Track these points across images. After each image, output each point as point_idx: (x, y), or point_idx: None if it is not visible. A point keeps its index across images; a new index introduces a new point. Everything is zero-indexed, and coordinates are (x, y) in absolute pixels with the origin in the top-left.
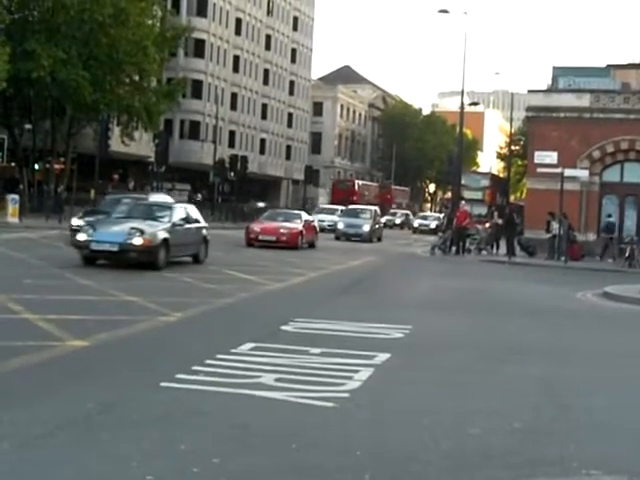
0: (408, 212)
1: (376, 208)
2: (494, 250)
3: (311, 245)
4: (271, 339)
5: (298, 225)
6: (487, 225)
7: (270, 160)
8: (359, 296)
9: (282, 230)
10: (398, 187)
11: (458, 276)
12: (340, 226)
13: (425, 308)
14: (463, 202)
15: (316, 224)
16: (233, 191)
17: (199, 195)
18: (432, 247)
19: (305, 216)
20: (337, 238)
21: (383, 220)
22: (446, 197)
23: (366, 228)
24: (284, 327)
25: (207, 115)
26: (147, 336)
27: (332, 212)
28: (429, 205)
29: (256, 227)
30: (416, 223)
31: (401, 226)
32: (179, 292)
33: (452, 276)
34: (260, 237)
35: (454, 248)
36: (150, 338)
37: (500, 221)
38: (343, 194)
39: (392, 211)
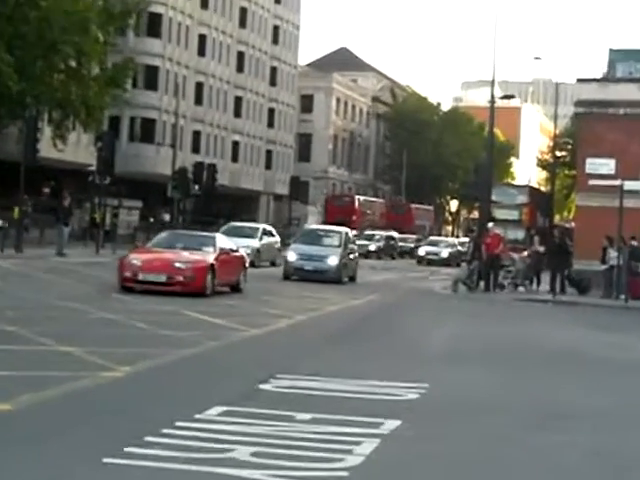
0: (392, 234)
1: (347, 230)
2: (534, 285)
3: (234, 288)
4: (247, 401)
5: (207, 257)
6: (525, 253)
7: (245, 169)
8: (361, 345)
9: (178, 265)
10: (419, 205)
11: (488, 319)
12: (292, 258)
13: (445, 361)
14: (492, 224)
15: (244, 255)
16: (198, 209)
17: (166, 216)
18: (454, 282)
19: (223, 242)
20: (287, 277)
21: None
22: (472, 217)
23: (332, 261)
24: (263, 385)
25: (164, 111)
26: (87, 397)
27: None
28: (450, 228)
29: (135, 260)
30: (422, 251)
31: (377, 254)
32: (128, 340)
33: (480, 319)
34: (141, 276)
35: (483, 283)
36: (91, 400)
37: (542, 248)
38: (339, 213)
39: (368, 232)
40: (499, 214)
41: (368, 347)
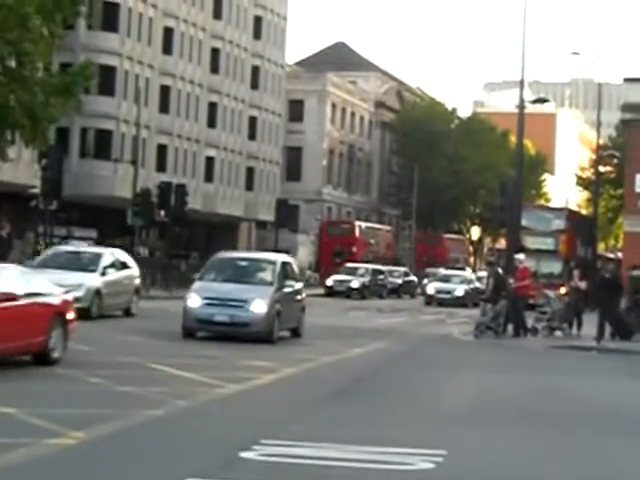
0: (380, 267)
1: (285, 258)
2: (574, 329)
3: (42, 357)
4: (224, 473)
5: None
6: (563, 290)
7: (222, 191)
8: (362, 403)
9: None
10: (452, 236)
11: (517, 371)
12: (194, 303)
13: (467, 422)
14: (521, 256)
15: (69, 299)
16: (164, 239)
17: (141, 250)
18: (477, 326)
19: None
20: (189, 333)
21: (330, 282)
22: (498, 247)
23: (258, 307)
24: (244, 454)
25: (123, 121)
26: (26, 472)
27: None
28: (472, 259)
29: None
30: (431, 289)
31: (361, 293)
32: (80, 399)
33: (508, 371)
34: None
35: (511, 326)
36: (31, 475)
37: (584, 284)
38: (336, 243)
39: (351, 265)
40: (531, 243)
41: (373, 405)
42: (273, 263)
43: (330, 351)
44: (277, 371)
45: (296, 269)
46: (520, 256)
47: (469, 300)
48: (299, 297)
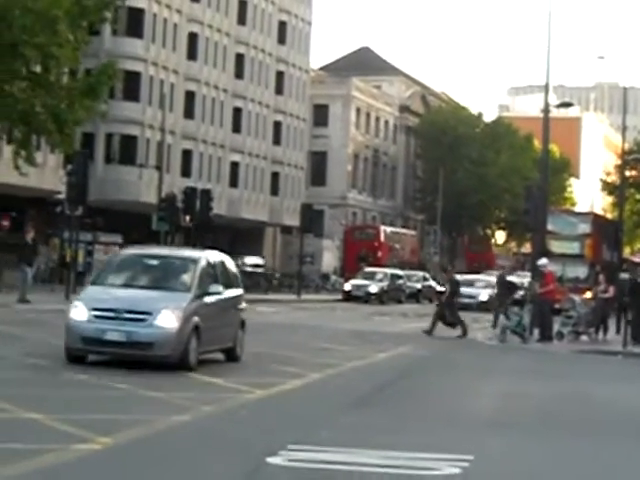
0: (398, 272)
1: (214, 256)
2: (599, 334)
3: None
4: (252, 479)
5: None
6: (588, 295)
7: (247, 196)
8: (388, 409)
9: None
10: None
11: (543, 376)
12: (79, 315)
13: (493, 427)
14: (544, 260)
15: None
16: (189, 244)
17: None
18: (502, 330)
19: None
20: (74, 358)
21: (348, 287)
22: (522, 252)
23: (166, 322)
24: (272, 459)
25: (148, 126)
26: (58, 476)
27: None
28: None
29: None
30: None
31: (380, 298)
32: (108, 405)
33: (534, 376)
34: None
35: (537, 331)
36: None
37: (610, 292)
38: (361, 248)
39: (368, 270)
40: (556, 247)
41: (398, 411)
42: (194, 262)
43: (355, 356)
44: (303, 376)
45: (233, 270)
46: (542, 261)
47: (493, 305)
48: (236, 308)
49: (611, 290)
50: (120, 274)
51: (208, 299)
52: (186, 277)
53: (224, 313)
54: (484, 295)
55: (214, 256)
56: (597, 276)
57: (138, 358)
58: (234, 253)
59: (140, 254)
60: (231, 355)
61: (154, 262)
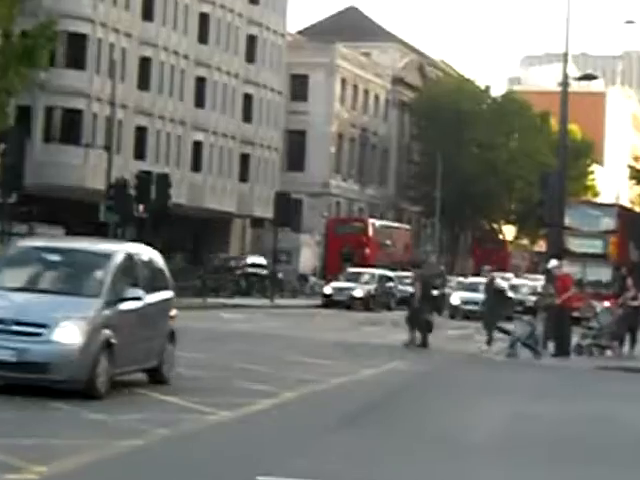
0: (388, 273)
1: (145, 254)
2: (625, 348)
3: None
4: None
5: None
6: (614, 303)
7: (211, 182)
8: (374, 435)
9: None
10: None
11: (557, 396)
12: None
13: (502, 455)
14: (555, 262)
15: None
16: (143, 239)
17: None
18: (511, 343)
19: None
20: None
21: (329, 290)
22: (537, 250)
23: (66, 336)
24: None
25: (95, 99)
26: None
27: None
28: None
29: None
30: (456, 299)
31: (366, 303)
32: (43, 428)
33: (547, 396)
34: None
35: (552, 344)
36: None
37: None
38: (346, 244)
39: (352, 270)
40: (575, 245)
41: (387, 437)
42: (108, 258)
43: (337, 372)
44: (275, 395)
45: (162, 267)
46: (553, 263)
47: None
48: (163, 316)
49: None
50: (10, 273)
51: (124, 306)
52: (96, 278)
53: (146, 323)
54: None
55: (135, 250)
56: (623, 280)
57: (31, 382)
58: (197, 249)
59: (38, 247)
60: (156, 376)
61: (55, 258)
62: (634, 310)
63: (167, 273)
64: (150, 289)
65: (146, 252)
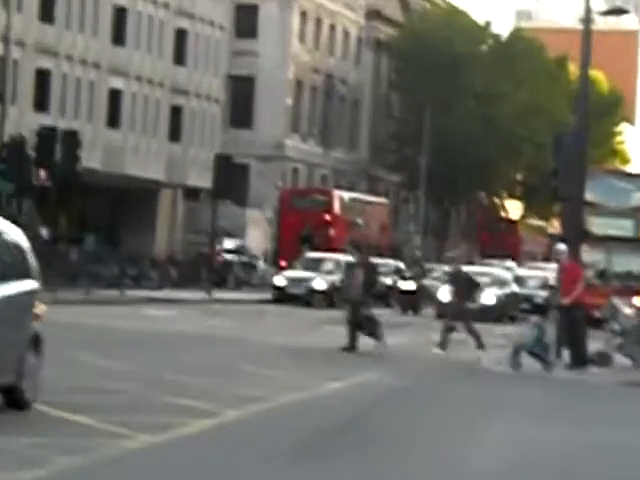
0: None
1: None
2: None
3: None
4: None
5: None
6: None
7: (133, 142)
8: (341, 465)
9: None
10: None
11: (571, 419)
12: None
13: None
14: (562, 246)
15: None
16: (46, 214)
17: (43, 230)
18: (515, 350)
19: None
20: None
21: (281, 281)
22: (550, 232)
23: None
24: None
25: None
26: None
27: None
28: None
29: None
30: (443, 295)
31: (329, 298)
32: None
33: (558, 418)
34: None
35: (567, 352)
36: None
37: None
38: (305, 223)
39: (311, 256)
40: (599, 226)
41: (352, 473)
42: None
43: (294, 385)
44: (213, 414)
45: (23, 248)
46: (560, 246)
47: (504, 311)
48: (22, 315)
49: None
50: None
51: None
52: None
53: None
54: (489, 297)
55: None
56: None
57: None
58: (115, 227)
59: None
60: (13, 397)
61: None
62: None
63: (30, 257)
64: (3, 277)
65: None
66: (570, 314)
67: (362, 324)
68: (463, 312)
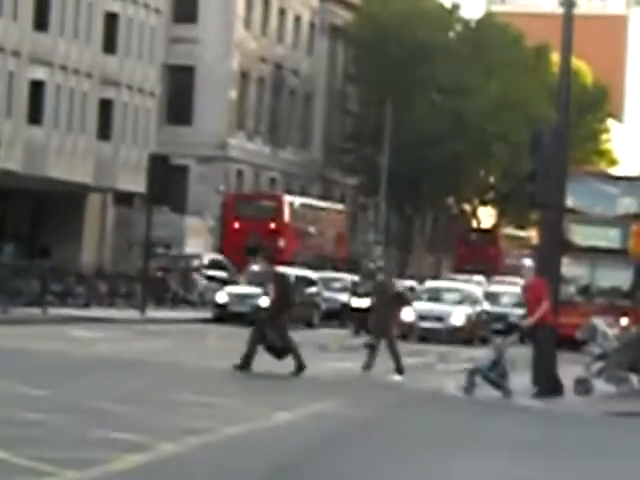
0: (307, 273)
1: None
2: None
3: None
4: None
5: None
6: (635, 319)
7: (57, 141)
8: None
9: None
10: (512, 231)
11: (545, 454)
12: None
13: None
14: (529, 261)
15: None
16: None
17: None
18: (470, 374)
19: None
20: None
21: (223, 297)
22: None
23: None
24: None
25: None
26: None
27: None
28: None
29: None
30: (409, 314)
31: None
32: None
33: (531, 454)
34: None
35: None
36: None
37: None
38: (251, 232)
39: (257, 269)
40: (582, 236)
41: None
42: None
43: (237, 416)
44: (147, 448)
45: None
46: (526, 261)
47: (475, 332)
48: None
49: None
50: None
51: None
52: None
53: None
54: (459, 316)
55: None
56: None
57: None
58: (35, 235)
59: None
60: None
61: None
62: None
63: None
64: None
65: None
66: (536, 335)
67: (272, 346)
68: (387, 328)
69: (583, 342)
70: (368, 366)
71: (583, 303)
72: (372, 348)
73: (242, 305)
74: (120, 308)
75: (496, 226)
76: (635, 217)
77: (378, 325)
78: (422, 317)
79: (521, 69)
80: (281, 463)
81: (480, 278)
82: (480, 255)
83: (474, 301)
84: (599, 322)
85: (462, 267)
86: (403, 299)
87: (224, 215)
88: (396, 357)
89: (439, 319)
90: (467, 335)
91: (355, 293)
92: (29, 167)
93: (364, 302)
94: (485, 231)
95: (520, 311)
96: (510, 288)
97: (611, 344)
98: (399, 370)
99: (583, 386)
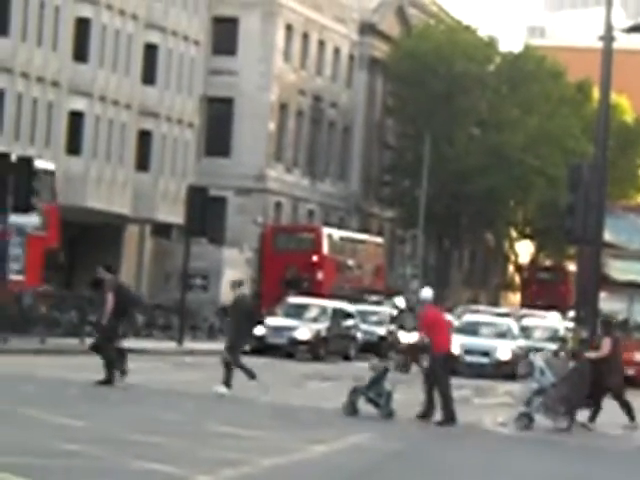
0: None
1: None
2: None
3: None
4: None
5: None
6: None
7: (96, 171)
8: None
9: None
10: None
11: None
12: None
13: None
14: (428, 291)
15: None
16: None
17: None
18: (352, 392)
19: None
20: None
21: (261, 330)
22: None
23: None
24: None
25: None
26: None
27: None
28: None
29: None
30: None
31: (314, 350)
32: None
33: None
34: None
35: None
36: None
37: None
38: (289, 264)
39: (294, 301)
40: (620, 271)
41: None
42: None
43: (273, 448)
44: None
45: None
46: (425, 292)
47: (515, 367)
48: None
49: (606, 345)
50: None
51: None
52: None
53: None
54: (504, 351)
55: None
56: None
57: None
58: (73, 266)
59: None
60: None
61: None
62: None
63: None
64: None
65: None
66: (432, 364)
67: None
68: (236, 345)
69: (520, 378)
70: (227, 383)
71: (621, 338)
72: (227, 365)
73: (279, 337)
74: (157, 339)
75: (565, 264)
76: None
77: (230, 341)
78: (468, 351)
79: (560, 103)
80: None
81: (555, 314)
82: (550, 291)
83: (514, 335)
84: (536, 358)
85: (533, 303)
86: (254, 318)
87: (262, 247)
88: (241, 369)
89: (484, 353)
90: (510, 370)
91: (402, 327)
92: (67, 198)
93: (412, 337)
94: (555, 268)
95: (553, 345)
96: (542, 322)
97: (548, 379)
98: (227, 383)
99: (522, 421)
